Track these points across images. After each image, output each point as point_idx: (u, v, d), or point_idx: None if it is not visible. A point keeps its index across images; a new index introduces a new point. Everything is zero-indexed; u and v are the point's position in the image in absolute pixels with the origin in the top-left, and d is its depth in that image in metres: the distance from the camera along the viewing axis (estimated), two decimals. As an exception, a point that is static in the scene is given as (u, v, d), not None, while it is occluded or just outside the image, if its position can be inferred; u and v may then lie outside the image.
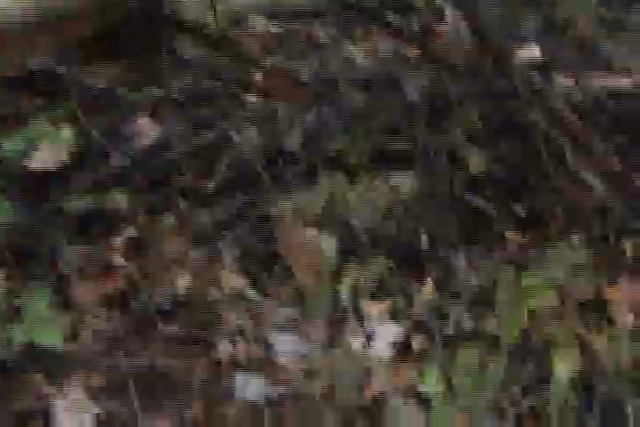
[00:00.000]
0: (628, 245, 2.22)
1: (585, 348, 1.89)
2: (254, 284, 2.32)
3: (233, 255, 2.43)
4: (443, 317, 2.07)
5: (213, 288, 2.29)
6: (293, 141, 2.50)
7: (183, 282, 2.28)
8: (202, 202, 2.59)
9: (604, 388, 1.80)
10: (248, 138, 2.54)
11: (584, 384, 1.85)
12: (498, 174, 2.48)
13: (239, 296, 2.28)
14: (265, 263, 2.35)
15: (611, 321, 2.07)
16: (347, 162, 2.34)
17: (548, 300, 1.95)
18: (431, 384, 1.84)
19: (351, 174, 2.31)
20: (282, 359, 2.19)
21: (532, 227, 2.39)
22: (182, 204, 2.54)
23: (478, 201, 2.43)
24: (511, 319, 1.92)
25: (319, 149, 2.43)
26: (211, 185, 2.62)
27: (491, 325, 1.94)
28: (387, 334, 2.14)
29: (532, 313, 1.94)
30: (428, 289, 2.20)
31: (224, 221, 2.45)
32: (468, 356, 1.88)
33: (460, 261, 2.25)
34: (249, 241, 2.43)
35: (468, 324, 2.01)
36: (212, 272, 2.34)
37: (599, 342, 1.89)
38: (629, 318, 2.06)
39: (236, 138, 2.60)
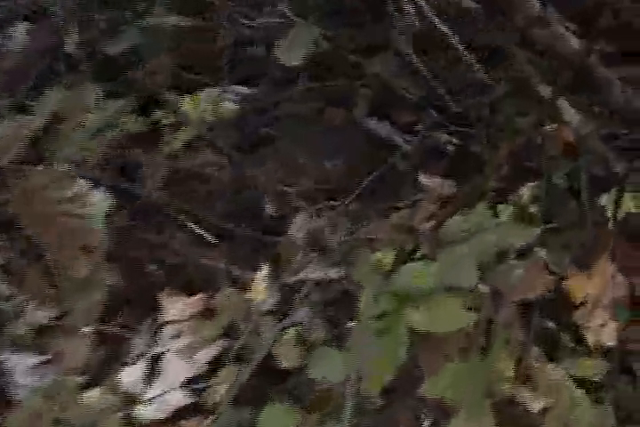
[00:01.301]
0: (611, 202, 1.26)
1: (509, 413, 0.95)
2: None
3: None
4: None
5: None
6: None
7: None
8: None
9: None
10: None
11: None
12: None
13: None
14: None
15: (579, 341, 1.13)
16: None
17: (451, 310, 1.01)
18: None
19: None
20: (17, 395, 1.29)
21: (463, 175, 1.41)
22: None
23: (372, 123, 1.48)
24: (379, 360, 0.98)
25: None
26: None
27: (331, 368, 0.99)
28: (177, 372, 1.20)
29: (416, 338, 0.99)
30: (259, 282, 1.26)
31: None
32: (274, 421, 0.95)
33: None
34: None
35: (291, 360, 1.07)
36: None
37: (539, 400, 0.95)
38: (606, 336, 1.12)
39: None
